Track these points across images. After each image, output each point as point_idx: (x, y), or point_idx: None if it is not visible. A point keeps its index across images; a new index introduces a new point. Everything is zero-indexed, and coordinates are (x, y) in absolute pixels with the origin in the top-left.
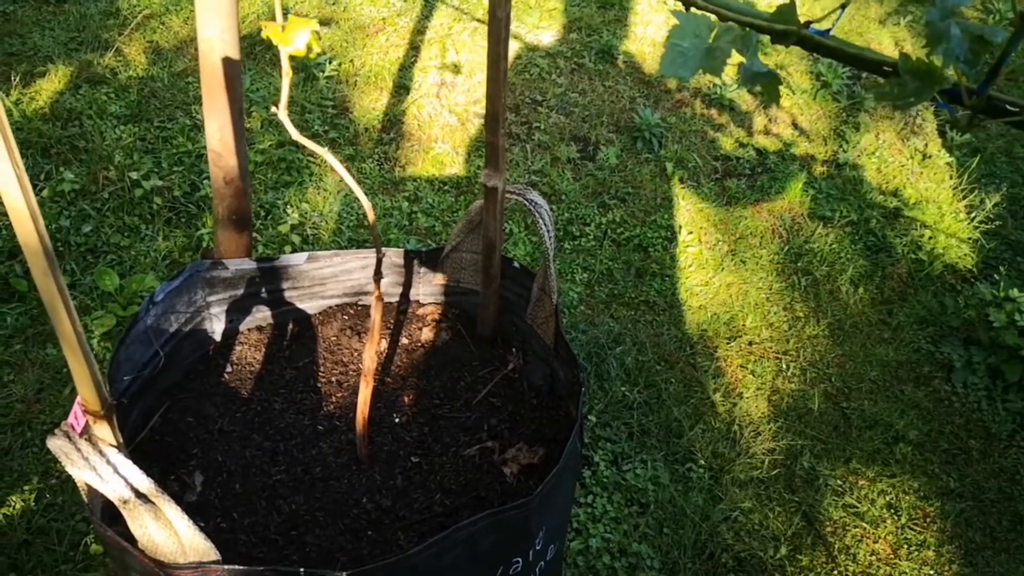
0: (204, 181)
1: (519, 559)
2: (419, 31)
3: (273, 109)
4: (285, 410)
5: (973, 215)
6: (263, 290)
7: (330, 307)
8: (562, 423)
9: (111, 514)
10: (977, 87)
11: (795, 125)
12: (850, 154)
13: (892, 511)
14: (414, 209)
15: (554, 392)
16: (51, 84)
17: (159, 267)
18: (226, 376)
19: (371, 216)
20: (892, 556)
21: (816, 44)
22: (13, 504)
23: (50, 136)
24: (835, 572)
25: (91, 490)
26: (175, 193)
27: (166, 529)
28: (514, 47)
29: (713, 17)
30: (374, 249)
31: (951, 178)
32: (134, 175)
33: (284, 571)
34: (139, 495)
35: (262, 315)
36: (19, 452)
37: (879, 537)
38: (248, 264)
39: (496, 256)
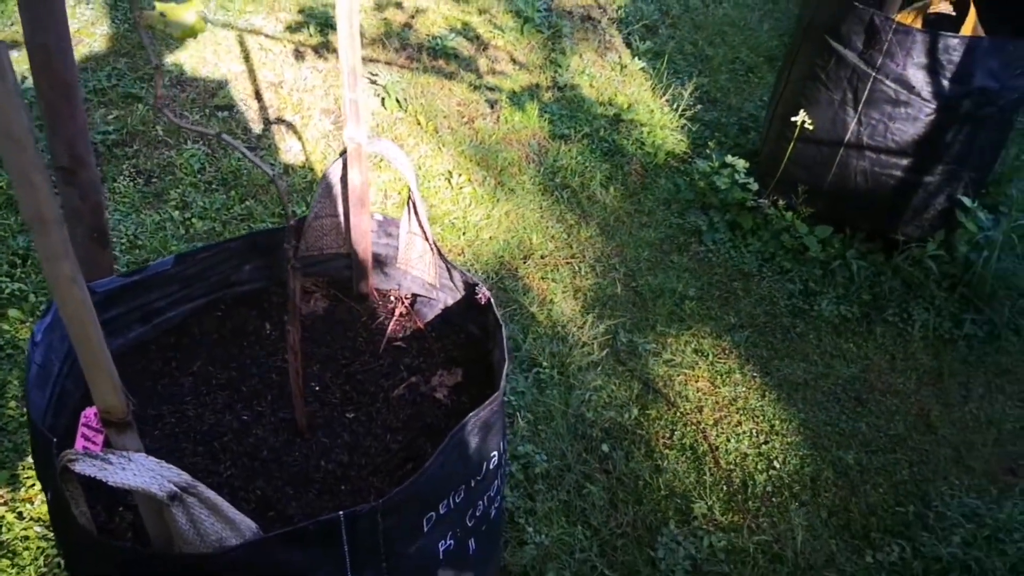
0: None
1: (495, 452)
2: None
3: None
4: (201, 414)
5: (676, 106)
6: (131, 306)
7: (200, 306)
8: (465, 343)
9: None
10: None
11: (514, 60)
12: (565, 77)
13: (699, 354)
14: (186, 216)
15: (448, 320)
16: None
17: None
18: None
19: (280, 187)
20: (712, 387)
21: None
22: None
23: None
24: (678, 414)
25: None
26: None
27: (213, 515)
28: (228, 35)
29: None
30: (237, 239)
31: (648, 80)
32: None
33: (324, 520)
34: (182, 489)
35: (135, 334)
36: None
37: (698, 377)
38: (116, 282)
39: (366, 211)
